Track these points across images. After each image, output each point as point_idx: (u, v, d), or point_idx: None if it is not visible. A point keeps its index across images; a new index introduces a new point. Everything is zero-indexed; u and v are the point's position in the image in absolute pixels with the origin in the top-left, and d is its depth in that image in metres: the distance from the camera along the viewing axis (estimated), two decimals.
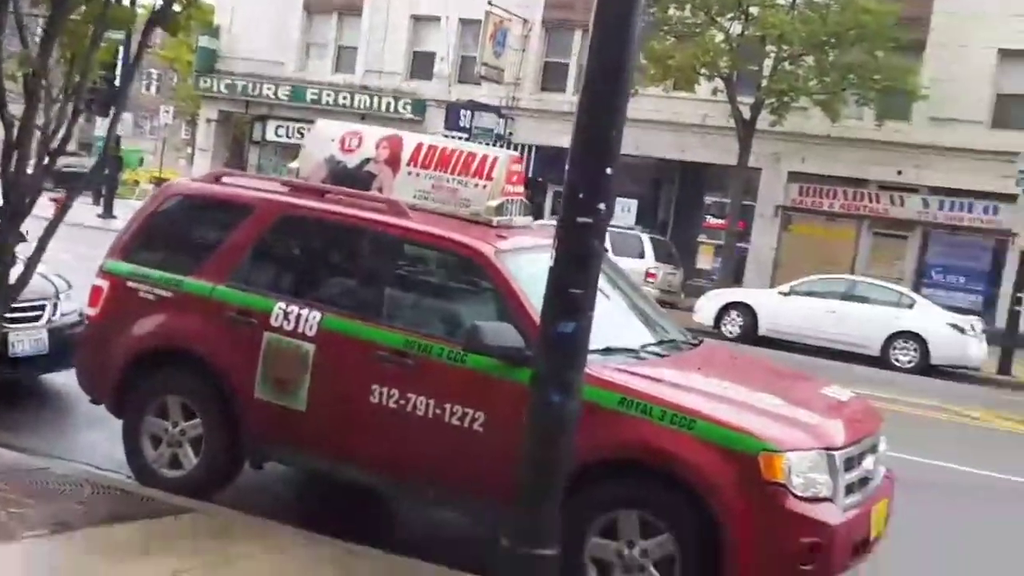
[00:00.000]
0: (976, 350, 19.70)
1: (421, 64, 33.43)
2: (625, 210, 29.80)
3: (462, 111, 30.72)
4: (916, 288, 25.51)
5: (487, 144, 24.56)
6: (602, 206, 4.49)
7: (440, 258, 6.20)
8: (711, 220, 30.49)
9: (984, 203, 26.47)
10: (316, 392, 5.93)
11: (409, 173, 6.29)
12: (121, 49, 21.86)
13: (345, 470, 6.06)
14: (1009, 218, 25.75)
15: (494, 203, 6.10)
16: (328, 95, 33.85)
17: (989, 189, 25.92)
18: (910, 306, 20.40)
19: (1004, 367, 20.48)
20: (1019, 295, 21.53)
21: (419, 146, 6.32)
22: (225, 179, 6.82)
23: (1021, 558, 7.57)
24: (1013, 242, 25.18)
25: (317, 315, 5.97)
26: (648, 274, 23.79)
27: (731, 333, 20.75)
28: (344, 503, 6.95)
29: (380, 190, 6.32)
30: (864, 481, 5.52)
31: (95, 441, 7.33)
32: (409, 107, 32.88)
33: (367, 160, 6.41)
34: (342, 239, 6.36)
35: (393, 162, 6.33)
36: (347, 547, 5.58)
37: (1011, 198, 25.24)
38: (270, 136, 35.62)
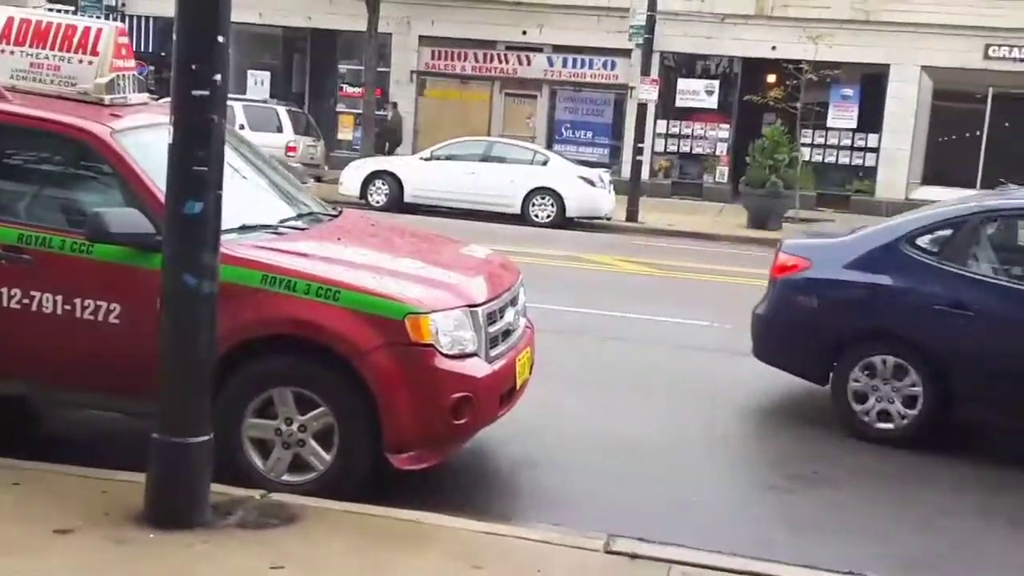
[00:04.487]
0: (606, 201, 20.96)
1: None
2: (258, 83, 28.88)
3: None
4: (549, 145, 26.75)
5: (97, 17, 22.81)
6: (218, 77, 4.28)
7: (50, 143, 5.66)
8: (348, 89, 30.17)
9: (603, 59, 27.94)
10: None
11: (1, 51, 5.69)
12: None
13: None
14: (626, 72, 27.40)
15: (104, 80, 5.65)
16: None
17: (606, 45, 27.39)
18: (544, 163, 21.30)
19: (631, 215, 21.98)
20: (639, 145, 23.07)
21: (10, 20, 5.70)
22: None
23: (642, 380, 8.30)
24: (631, 95, 26.80)
25: None
26: (289, 148, 23.25)
27: (378, 202, 20.84)
28: None
29: None
30: (507, 333, 5.75)
31: None
32: None
33: None
34: None
35: None
36: None
37: (626, 53, 26.85)
38: None
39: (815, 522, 5.76)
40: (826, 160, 27.21)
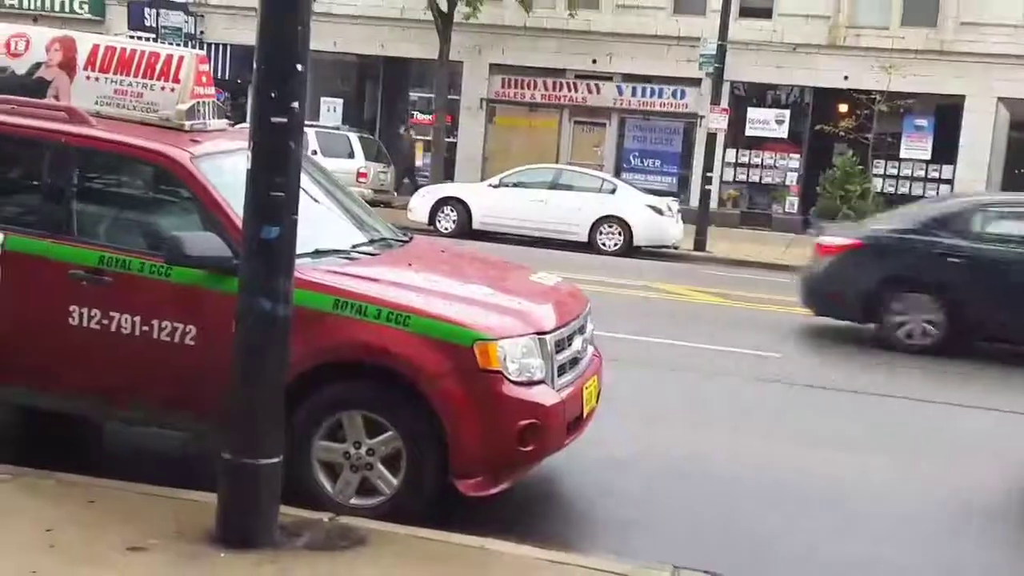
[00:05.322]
0: (674, 230, 20.92)
1: None
2: (331, 110, 29.32)
3: (146, 9, 28.91)
4: (617, 173, 26.75)
5: (177, 45, 23.36)
6: (295, 105, 4.36)
7: (132, 168, 5.84)
8: (418, 116, 30.50)
9: (673, 88, 27.92)
10: (5, 319, 5.52)
11: (87, 77, 5.85)
12: None
13: (49, 400, 5.70)
14: (696, 101, 27.34)
15: (184, 106, 5.78)
16: None
17: (676, 74, 27.36)
18: (612, 191, 21.29)
19: (699, 244, 21.88)
20: (708, 174, 22.98)
21: (95, 48, 5.87)
22: None
23: (722, 414, 8.23)
24: (700, 124, 26.72)
25: None
26: (360, 174, 23.60)
27: (446, 229, 20.97)
28: (50, 433, 6.57)
29: (57, 98, 5.86)
30: (575, 361, 5.75)
31: None
32: (87, 6, 30.70)
33: (38, 65, 5.90)
34: (19, 153, 5.87)
35: (68, 66, 5.85)
36: (56, 476, 5.28)
37: (696, 82, 26.80)
38: None
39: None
40: (899, 191, 26.80)
